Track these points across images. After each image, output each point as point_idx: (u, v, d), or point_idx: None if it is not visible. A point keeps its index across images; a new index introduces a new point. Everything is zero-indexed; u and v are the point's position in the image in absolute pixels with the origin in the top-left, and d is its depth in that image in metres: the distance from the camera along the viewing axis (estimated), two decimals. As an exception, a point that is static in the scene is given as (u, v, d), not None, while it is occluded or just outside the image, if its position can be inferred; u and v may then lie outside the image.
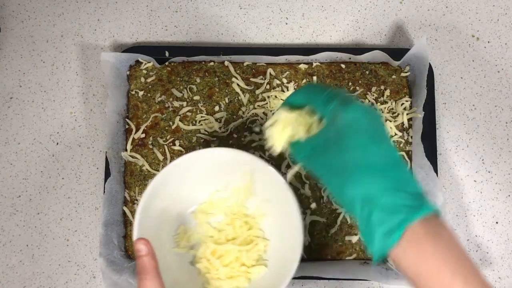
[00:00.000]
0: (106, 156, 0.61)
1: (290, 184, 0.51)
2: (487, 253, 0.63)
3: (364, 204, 0.37)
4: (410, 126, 0.63)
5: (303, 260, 0.60)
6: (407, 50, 0.63)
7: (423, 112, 0.61)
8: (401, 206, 0.36)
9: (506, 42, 0.68)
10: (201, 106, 0.63)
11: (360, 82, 0.64)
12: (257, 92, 0.63)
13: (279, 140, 0.44)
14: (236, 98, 0.63)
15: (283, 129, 0.44)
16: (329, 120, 0.41)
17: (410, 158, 0.62)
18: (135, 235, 0.48)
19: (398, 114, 0.63)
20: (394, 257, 0.37)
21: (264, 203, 0.55)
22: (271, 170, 0.51)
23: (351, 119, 0.39)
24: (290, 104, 0.45)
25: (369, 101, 0.63)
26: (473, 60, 0.68)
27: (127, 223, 0.61)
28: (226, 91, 0.64)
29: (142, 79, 0.64)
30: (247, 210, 0.56)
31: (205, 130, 0.62)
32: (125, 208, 0.61)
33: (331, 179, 0.40)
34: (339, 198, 0.39)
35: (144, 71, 0.64)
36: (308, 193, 0.61)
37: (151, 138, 0.62)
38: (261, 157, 0.61)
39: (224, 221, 0.56)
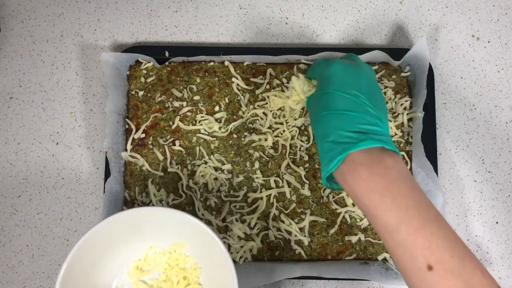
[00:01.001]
0: (106, 156, 0.61)
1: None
2: (487, 253, 0.63)
3: (321, 139, 0.46)
4: (410, 126, 0.63)
5: (303, 260, 0.60)
6: (407, 50, 0.63)
7: (423, 112, 0.61)
8: (347, 138, 0.43)
9: (506, 42, 0.68)
10: (201, 106, 0.63)
11: (360, 82, 0.64)
12: (257, 92, 0.63)
13: (298, 89, 0.58)
14: (236, 98, 0.63)
15: (298, 85, 0.59)
16: (318, 77, 0.52)
17: (410, 158, 0.62)
18: None
19: (398, 114, 0.63)
20: (338, 180, 0.45)
21: (200, 256, 0.56)
22: (201, 225, 0.51)
23: (327, 74, 0.49)
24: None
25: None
26: (473, 60, 0.68)
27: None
28: (226, 91, 0.64)
29: (142, 79, 0.64)
30: (185, 264, 0.57)
31: (205, 130, 0.62)
32: (125, 208, 0.61)
33: (311, 123, 0.49)
34: (314, 135, 0.49)
35: (144, 71, 0.64)
36: (308, 193, 0.61)
37: (151, 138, 0.62)
38: (261, 157, 0.62)
39: (161, 277, 0.56)
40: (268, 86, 0.64)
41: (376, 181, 0.41)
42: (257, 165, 0.61)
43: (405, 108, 0.63)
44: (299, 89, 0.58)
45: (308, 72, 0.60)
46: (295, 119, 0.62)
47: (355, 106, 0.45)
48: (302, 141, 0.62)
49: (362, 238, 0.60)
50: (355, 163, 0.42)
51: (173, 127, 0.62)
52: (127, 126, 0.63)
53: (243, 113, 0.63)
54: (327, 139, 0.45)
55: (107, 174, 0.61)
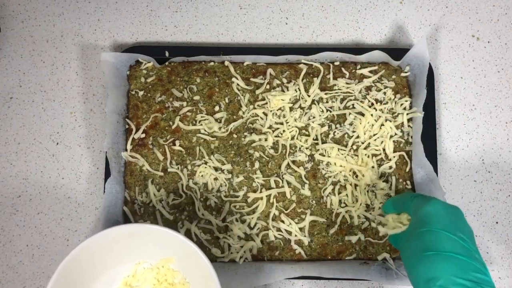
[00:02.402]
0: (106, 156, 0.61)
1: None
2: (487, 253, 0.63)
3: (426, 282, 0.42)
4: (410, 126, 0.63)
5: (303, 260, 0.60)
6: (407, 50, 0.63)
7: (423, 112, 0.61)
8: (459, 286, 0.40)
9: (506, 42, 0.68)
10: (201, 106, 0.63)
11: (360, 82, 0.64)
12: (257, 92, 0.63)
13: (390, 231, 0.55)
14: (236, 98, 0.63)
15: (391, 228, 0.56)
16: (412, 213, 0.49)
17: (410, 158, 0.62)
18: None
19: (398, 114, 0.63)
20: None
21: (187, 271, 0.56)
22: (184, 240, 0.51)
23: (428, 211, 0.46)
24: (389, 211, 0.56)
25: (369, 101, 0.63)
26: (473, 60, 0.68)
27: (127, 223, 0.61)
28: (226, 91, 0.64)
29: (142, 79, 0.64)
30: (174, 279, 0.57)
31: (205, 130, 0.62)
32: (125, 208, 0.61)
33: (407, 261, 0.46)
34: (410, 276, 0.45)
35: (144, 71, 0.64)
36: (308, 193, 0.61)
37: (151, 138, 0.62)
38: (261, 157, 0.62)
39: None
40: (268, 86, 0.64)
41: None
42: (257, 165, 0.61)
43: (405, 108, 0.63)
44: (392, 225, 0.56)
45: (393, 203, 0.56)
46: (295, 120, 0.62)
47: (464, 250, 0.43)
48: (302, 141, 0.62)
49: (362, 238, 0.60)
50: None
51: (173, 127, 0.62)
52: (127, 126, 0.63)
53: (243, 113, 0.63)
54: (435, 282, 0.41)
55: (107, 174, 0.61)
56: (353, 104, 0.63)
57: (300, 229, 0.60)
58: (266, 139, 0.62)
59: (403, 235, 0.52)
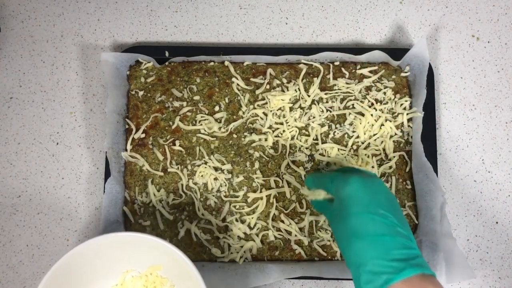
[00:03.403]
0: (106, 156, 0.61)
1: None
2: (487, 253, 0.63)
3: (356, 268, 0.43)
4: (410, 126, 0.63)
5: (303, 260, 0.60)
6: (407, 50, 0.63)
7: (423, 112, 0.61)
8: (386, 268, 0.41)
9: (506, 42, 0.68)
10: (201, 106, 0.63)
11: (360, 82, 0.64)
12: (257, 92, 0.63)
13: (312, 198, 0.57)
14: (236, 98, 0.63)
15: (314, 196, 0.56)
16: (335, 194, 0.50)
17: (410, 158, 0.62)
18: None
19: (398, 114, 0.63)
20: None
21: (175, 278, 0.55)
22: (169, 247, 0.50)
23: (348, 192, 0.47)
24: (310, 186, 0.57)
25: (369, 101, 0.63)
26: (473, 60, 0.68)
27: (127, 223, 0.61)
28: (226, 91, 0.64)
29: (142, 79, 0.64)
30: (162, 287, 0.56)
31: (205, 130, 0.62)
32: (125, 208, 0.61)
33: (339, 243, 0.47)
34: (345, 260, 0.46)
35: (144, 71, 0.64)
36: (308, 193, 0.61)
37: (151, 138, 0.62)
38: (261, 157, 0.62)
39: None
40: (268, 86, 0.64)
41: None
42: (257, 165, 0.61)
43: (405, 108, 0.63)
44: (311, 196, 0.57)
45: (314, 182, 0.56)
46: (295, 120, 0.62)
47: (386, 229, 0.43)
48: (302, 141, 0.62)
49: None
50: None
51: (173, 127, 0.62)
52: (127, 126, 0.63)
53: (243, 113, 0.63)
54: (363, 268, 0.42)
55: (107, 174, 0.61)
56: (353, 104, 0.63)
57: (300, 229, 0.60)
58: (266, 139, 0.62)
59: (329, 206, 0.52)
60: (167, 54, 0.65)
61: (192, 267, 0.49)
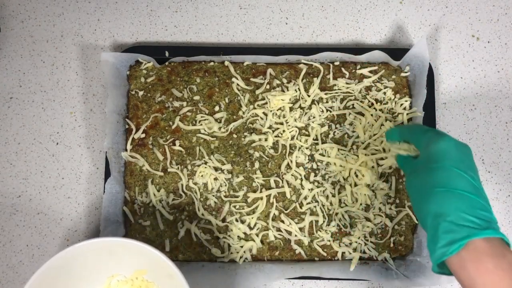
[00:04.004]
0: (106, 156, 0.61)
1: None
2: (487, 253, 0.62)
3: (435, 217, 0.42)
4: (410, 126, 0.63)
5: (303, 260, 0.60)
6: (407, 50, 0.63)
7: (423, 112, 0.61)
8: (469, 223, 0.41)
9: (506, 42, 0.68)
10: (201, 106, 0.63)
11: (360, 82, 0.64)
12: (257, 92, 0.63)
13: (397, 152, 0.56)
14: (236, 98, 0.63)
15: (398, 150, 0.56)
16: (423, 147, 0.49)
17: (410, 158, 0.62)
18: None
19: (398, 114, 0.63)
20: (454, 266, 0.41)
21: (161, 281, 0.55)
22: (156, 252, 0.50)
23: (441, 148, 0.46)
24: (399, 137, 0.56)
25: (368, 101, 0.63)
26: (473, 60, 0.68)
27: (127, 223, 0.61)
28: (226, 91, 0.64)
29: (142, 79, 0.64)
30: None
31: (205, 130, 0.62)
32: (125, 208, 0.61)
33: (415, 196, 0.46)
34: (417, 213, 0.46)
35: (144, 71, 0.64)
36: (308, 193, 0.61)
37: (151, 138, 0.62)
38: (261, 157, 0.62)
39: None
40: (268, 86, 0.64)
41: (502, 276, 0.39)
42: (257, 165, 0.61)
43: (405, 108, 0.63)
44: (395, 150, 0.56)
45: (400, 133, 0.56)
46: (295, 120, 0.62)
47: (474, 189, 0.43)
48: (302, 141, 0.62)
49: (362, 238, 0.60)
50: (479, 252, 0.40)
51: (173, 127, 0.62)
52: (127, 126, 0.63)
53: (243, 113, 0.63)
54: (445, 218, 0.42)
55: (107, 174, 0.61)
56: (353, 104, 0.63)
57: (300, 229, 0.60)
58: (266, 139, 0.62)
59: (412, 162, 0.52)
60: (167, 54, 0.65)
61: (176, 270, 0.49)
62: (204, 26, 0.69)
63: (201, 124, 0.62)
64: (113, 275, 0.56)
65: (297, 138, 0.62)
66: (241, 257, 0.60)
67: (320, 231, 0.60)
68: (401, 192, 0.61)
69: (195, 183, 0.61)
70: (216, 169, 0.61)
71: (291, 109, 0.63)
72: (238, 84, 0.64)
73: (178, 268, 0.49)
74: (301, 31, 0.69)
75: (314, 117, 0.63)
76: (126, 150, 0.62)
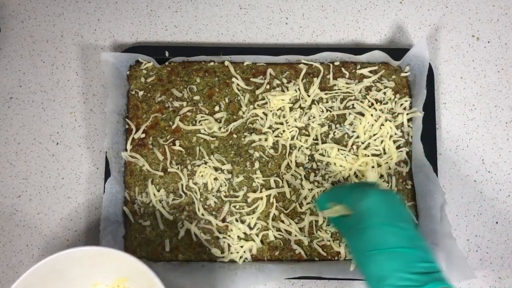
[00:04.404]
0: (106, 156, 0.61)
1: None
2: (487, 253, 0.63)
3: (377, 282, 0.42)
4: (410, 126, 0.63)
5: (303, 260, 0.60)
6: (407, 50, 0.63)
7: (423, 112, 0.61)
8: (408, 281, 0.40)
9: (506, 42, 0.68)
10: (201, 106, 0.63)
11: (360, 82, 0.64)
12: (257, 92, 0.63)
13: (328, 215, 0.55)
14: (236, 98, 0.63)
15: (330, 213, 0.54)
16: (352, 207, 0.48)
17: (410, 158, 0.62)
18: None
19: (398, 114, 0.63)
20: None
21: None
22: (135, 261, 0.50)
23: (367, 205, 0.46)
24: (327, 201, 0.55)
25: (368, 101, 0.63)
26: (473, 60, 0.68)
27: (127, 223, 0.61)
28: (226, 91, 0.64)
29: (142, 79, 0.64)
30: None
31: (205, 130, 0.62)
32: (125, 208, 0.61)
33: (356, 257, 0.46)
34: (362, 272, 0.44)
35: (144, 71, 0.64)
36: (308, 193, 0.61)
37: (151, 138, 0.62)
38: (261, 157, 0.62)
39: None
40: (268, 86, 0.64)
41: None
42: (257, 165, 0.61)
43: (405, 108, 0.63)
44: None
45: (329, 196, 0.55)
46: (295, 120, 0.62)
47: (408, 241, 0.43)
48: (302, 141, 0.62)
49: (362, 238, 0.60)
50: None
51: (173, 127, 0.62)
52: (127, 126, 0.63)
53: (243, 113, 0.63)
54: (385, 282, 0.41)
55: (107, 174, 0.61)
56: (353, 104, 0.63)
57: (300, 229, 0.60)
58: (266, 139, 0.62)
59: (346, 221, 0.50)
60: (167, 54, 0.65)
61: (155, 277, 0.49)
62: (204, 26, 0.69)
63: (201, 124, 0.62)
64: (95, 284, 0.56)
65: (297, 138, 0.62)
66: (241, 257, 0.60)
67: (320, 231, 0.60)
68: (401, 192, 0.61)
69: (195, 183, 0.61)
70: (216, 169, 0.61)
71: (291, 109, 0.63)
72: (238, 84, 0.64)
73: (155, 273, 0.49)
74: (301, 31, 0.69)
75: (314, 117, 0.63)
76: (126, 150, 0.62)
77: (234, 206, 0.61)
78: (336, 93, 0.63)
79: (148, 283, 0.51)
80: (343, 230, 0.52)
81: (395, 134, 0.62)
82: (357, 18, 0.69)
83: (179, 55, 0.65)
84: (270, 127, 0.62)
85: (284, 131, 0.62)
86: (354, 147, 0.62)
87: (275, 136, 0.62)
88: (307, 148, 0.62)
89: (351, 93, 0.63)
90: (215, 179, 0.61)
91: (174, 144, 0.62)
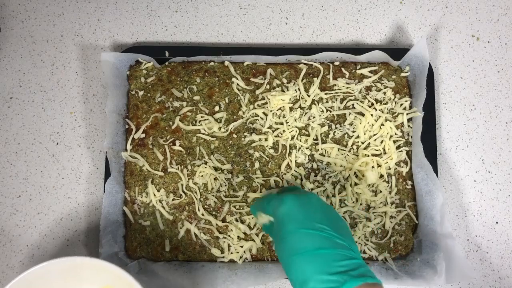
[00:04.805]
0: (106, 156, 0.61)
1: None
2: (487, 253, 0.63)
3: (300, 285, 0.42)
4: (410, 126, 0.63)
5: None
6: (407, 50, 0.64)
7: (423, 112, 0.61)
8: (328, 283, 0.41)
9: (506, 42, 0.68)
10: (201, 106, 0.63)
11: (360, 82, 0.64)
12: (257, 92, 0.63)
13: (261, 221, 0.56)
14: (236, 98, 0.63)
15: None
16: (272, 215, 0.50)
17: (410, 158, 0.62)
18: None
19: (398, 114, 0.63)
20: None
21: None
22: (117, 270, 0.50)
23: (283, 213, 0.47)
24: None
25: (368, 101, 0.63)
26: (473, 60, 0.68)
27: (127, 223, 0.61)
28: (226, 91, 0.64)
29: (142, 79, 0.64)
30: None
31: (205, 130, 0.62)
32: (125, 208, 0.61)
33: (282, 264, 0.46)
34: (289, 279, 0.45)
35: (144, 71, 0.64)
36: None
37: (151, 138, 0.62)
38: (261, 157, 0.62)
39: None
40: (268, 86, 0.64)
41: None
42: (257, 165, 0.61)
43: (405, 108, 0.63)
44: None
45: (256, 208, 0.56)
46: (295, 120, 0.62)
47: (324, 242, 0.43)
48: (302, 141, 0.62)
49: (362, 238, 0.60)
50: None
51: (173, 127, 0.62)
52: (127, 126, 0.63)
53: (243, 113, 0.63)
54: (307, 285, 0.42)
55: (107, 174, 0.61)
56: (353, 104, 0.63)
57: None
58: (266, 139, 0.62)
59: (272, 228, 0.51)
60: (167, 54, 0.65)
61: (137, 284, 0.49)
62: (204, 26, 0.69)
63: (201, 124, 0.62)
64: None
65: (297, 138, 0.62)
66: (241, 257, 0.60)
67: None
68: (401, 192, 0.61)
69: (195, 183, 0.61)
70: (216, 169, 0.61)
71: (291, 109, 0.63)
72: (238, 84, 0.64)
73: (138, 281, 0.49)
74: (301, 31, 0.69)
75: (314, 117, 0.63)
76: (126, 150, 0.62)
77: (234, 206, 0.61)
78: (336, 93, 0.63)
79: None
80: (272, 237, 0.53)
81: (395, 134, 0.62)
82: (357, 18, 0.69)
83: (179, 55, 0.65)
84: (270, 127, 0.62)
85: (284, 131, 0.62)
86: (354, 147, 0.62)
87: (275, 136, 0.62)
88: (307, 148, 0.62)
89: (351, 93, 0.63)
90: (215, 179, 0.61)
91: (174, 144, 0.62)
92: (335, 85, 0.64)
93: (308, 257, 0.43)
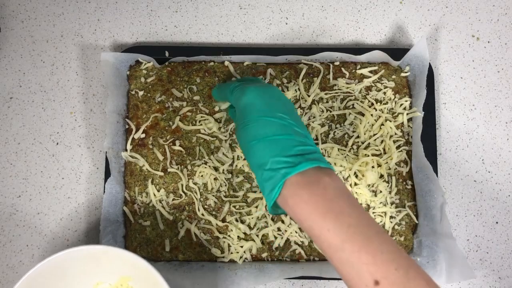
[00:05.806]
0: (106, 156, 0.61)
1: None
2: (487, 253, 0.63)
3: (258, 169, 0.45)
4: (410, 126, 0.63)
5: (303, 260, 0.60)
6: (407, 50, 0.64)
7: (423, 112, 0.61)
8: (284, 164, 0.43)
9: (506, 42, 0.68)
10: (201, 106, 0.63)
11: (360, 82, 0.64)
12: (257, 92, 0.63)
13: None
14: (236, 98, 0.63)
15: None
16: (235, 105, 0.51)
17: (410, 158, 0.62)
18: None
19: (398, 114, 0.63)
20: (282, 206, 0.43)
21: (145, 287, 0.54)
22: (139, 259, 0.50)
23: (246, 103, 0.48)
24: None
25: (369, 101, 0.63)
26: (473, 60, 0.68)
27: (127, 223, 0.61)
28: (226, 91, 0.64)
29: (142, 79, 0.64)
30: None
31: (205, 130, 0.62)
32: (125, 208, 0.61)
33: (243, 151, 0.48)
34: (250, 167, 0.47)
35: (144, 71, 0.64)
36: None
37: (151, 138, 0.62)
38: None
39: None
40: (268, 86, 0.64)
41: (316, 201, 0.41)
42: (257, 165, 0.61)
43: (405, 108, 0.63)
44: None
45: (219, 93, 0.58)
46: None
47: (283, 129, 0.45)
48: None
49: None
50: (295, 186, 0.42)
51: (173, 127, 0.62)
52: (127, 126, 0.63)
53: (243, 113, 0.63)
54: (264, 167, 0.44)
55: (107, 174, 0.61)
56: (353, 104, 0.63)
57: (300, 229, 0.60)
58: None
59: (235, 116, 0.53)
60: (167, 54, 0.65)
61: (159, 276, 0.49)
62: (204, 26, 0.69)
63: (201, 124, 0.62)
64: (97, 283, 0.56)
65: (297, 138, 0.62)
66: (241, 257, 0.60)
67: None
68: (401, 192, 0.61)
69: (195, 183, 0.61)
70: (216, 169, 0.61)
71: (291, 109, 0.63)
72: (238, 84, 0.64)
73: (159, 272, 0.49)
74: (301, 31, 0.69)
75: (314, 117, 0.63)
76: (126, 150, 0.62)
77: (234, 206, 0.61)
78: (336, 93, 0.63)
79: (151, 281, 0.51)
80: (235, 121, 0.55)
81: (395, 134, 0.62)
82: (357, 18, 0.69)
83: (179, 55, 0.65)
84: (270, 127, 0.62)
85: (284, 131, 0.62)
86: (354, 147, 0.62)
87: (275, 136, 0.62)
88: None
89: (351, 93, 0.63)
90: (215, 179, 0.61)
91: (174, 144, 0.62)
92: (335, 85, 0.64)
93: (267, 142, 0.45)
